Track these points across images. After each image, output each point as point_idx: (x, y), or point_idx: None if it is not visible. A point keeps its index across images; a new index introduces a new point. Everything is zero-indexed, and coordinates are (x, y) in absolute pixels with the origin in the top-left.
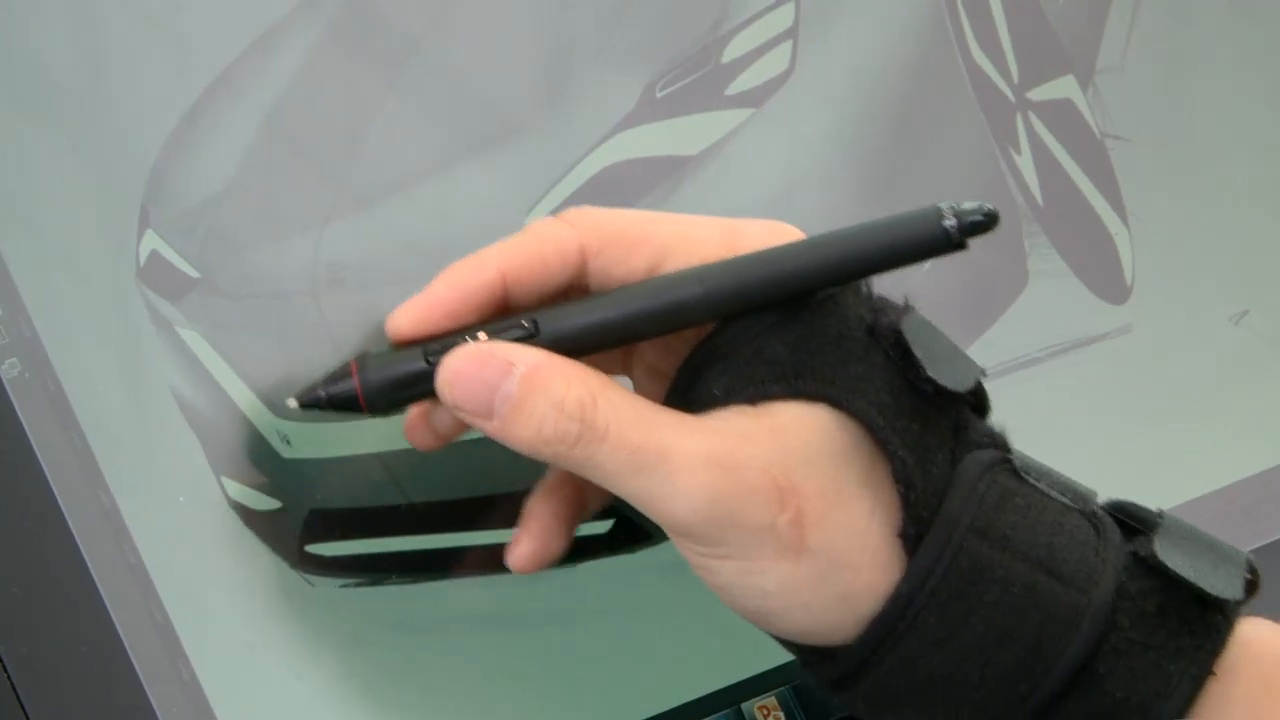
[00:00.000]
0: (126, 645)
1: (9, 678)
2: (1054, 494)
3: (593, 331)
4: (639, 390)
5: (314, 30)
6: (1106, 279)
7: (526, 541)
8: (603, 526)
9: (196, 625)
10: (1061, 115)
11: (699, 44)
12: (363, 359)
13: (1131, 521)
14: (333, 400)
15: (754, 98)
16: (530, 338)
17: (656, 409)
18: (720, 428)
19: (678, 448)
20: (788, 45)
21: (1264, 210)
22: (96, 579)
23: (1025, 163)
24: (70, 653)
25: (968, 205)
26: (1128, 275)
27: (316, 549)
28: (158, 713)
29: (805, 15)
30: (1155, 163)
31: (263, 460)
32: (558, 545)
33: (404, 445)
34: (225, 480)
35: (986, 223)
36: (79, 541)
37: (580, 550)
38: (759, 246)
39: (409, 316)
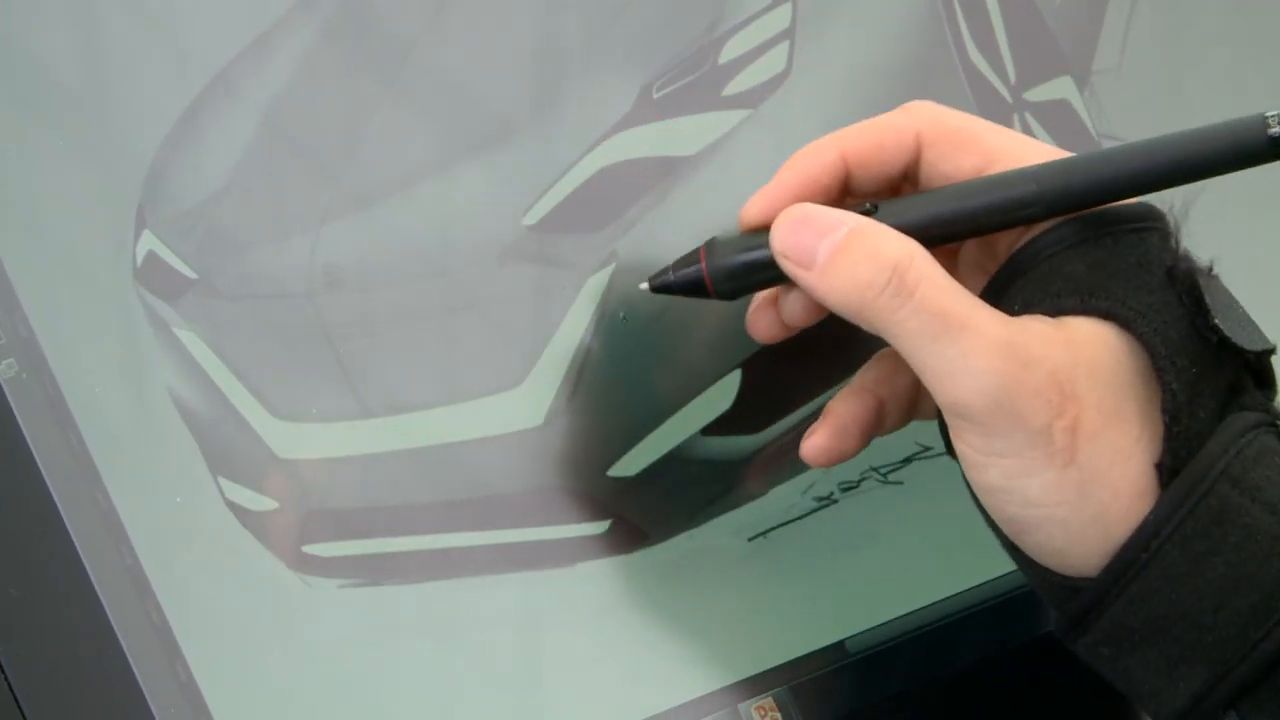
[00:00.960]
0: (124, 646)
1: (6, 679)
2: None
3: (929, 221)
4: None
5: (310, 31)
6: None
7: (823, 434)
8: (600, 527)
9: (194, 626)
10: (1058, 116)
11: (696, 45)
12: (710, 244)
13: None
14: (681, 284)
15: (751, 99)
16: (868, 214)
17: (965, 289)
18: (1020, 323)
19: (979, 325)
20: (785, 46)
21: (1259, 210)
22: (94, 580)
23: None
24: (67, 654)
25: None
26: None
27: (314, 549)
28: (155, 714)
29: (802, 16)
30: None
31: (259, 460)
32: (852, 446)
33: (403, 446)
34: (222, 480)
35: None
36: (76, 542)
37: (577, 551)
38: None
39: (759, 204)
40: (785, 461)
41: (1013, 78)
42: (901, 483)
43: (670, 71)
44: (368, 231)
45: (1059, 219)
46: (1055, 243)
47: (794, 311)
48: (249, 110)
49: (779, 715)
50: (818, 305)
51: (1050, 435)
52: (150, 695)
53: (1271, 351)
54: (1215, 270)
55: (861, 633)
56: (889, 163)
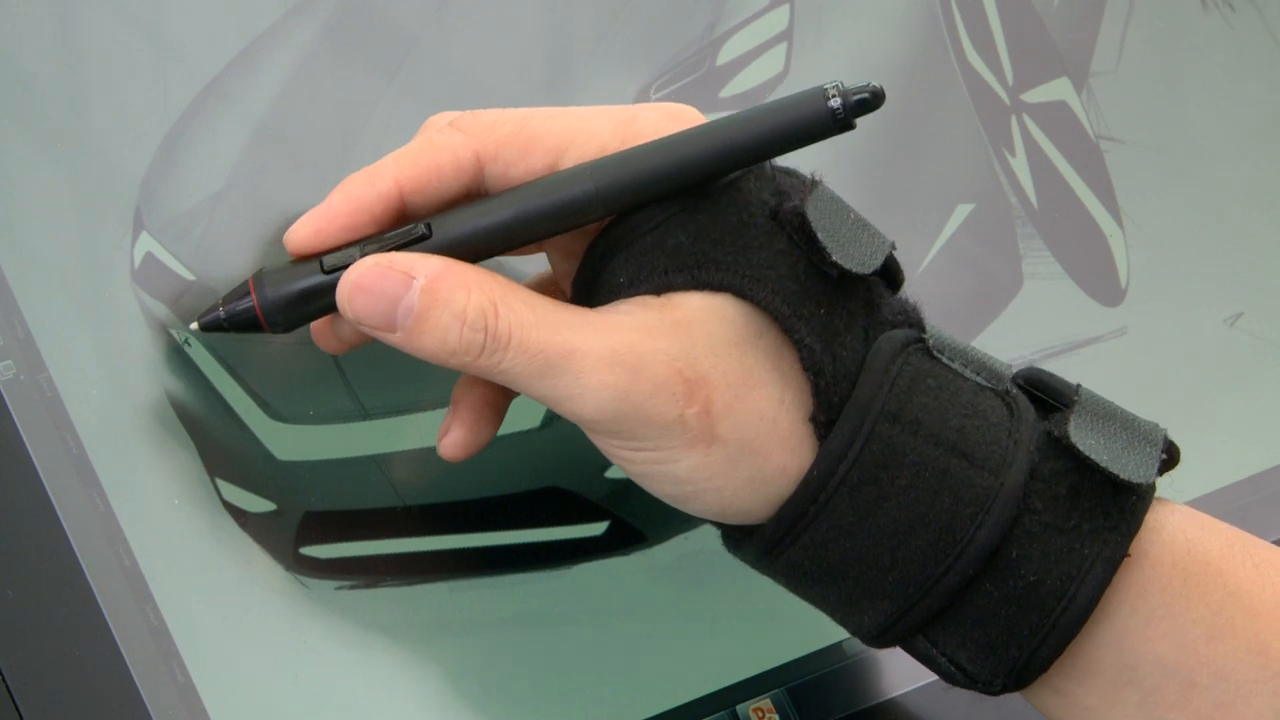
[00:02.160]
0: (121, 648)
1: (4, 681)
2: (967, 373)
3: (486, 234)
4: (554, 270)
5: (308, 33)
6: (1101, 282)
7: (456, 429)
8: (598, 529)
9: (191, 628)
10: (1056, 117)
11: (694, 46)
12: (259, 276)
13: (1047, 396)
14: (233, 320)
15: (749, 100)
16: (423, 239)
17: (559, 309)
18: (624, 322)
19: (582, 348)
20: (783, 48)
21: (1259, 213)
22: (91, 582)
23: (1020, 165)
24: (65, 656)
25: (853, 84)
26: (1122, 278)
27: (311, 551)
28: (152, 716)
29: (800, 18)
30: (1150, 165)
31: (257, 462)
32: (487, 431)
33: (401, 448)
34: (220, 482)
35: (872, 101)
36: (73, 544)
37: (575, 552)
38: (654, 134)
39: (306, 231)
40: None
41: (1010, 80)
42: None
43: (669, 72)
44: None
45: None
46: (653, 215)
47: (349, 333)
48: (246, 112)
49: (776, 717)
50: None
51: (684, 424)
52: (148, 697)
53: (893, 248)
54: (818, 177)
55: None
56: (447, 185)
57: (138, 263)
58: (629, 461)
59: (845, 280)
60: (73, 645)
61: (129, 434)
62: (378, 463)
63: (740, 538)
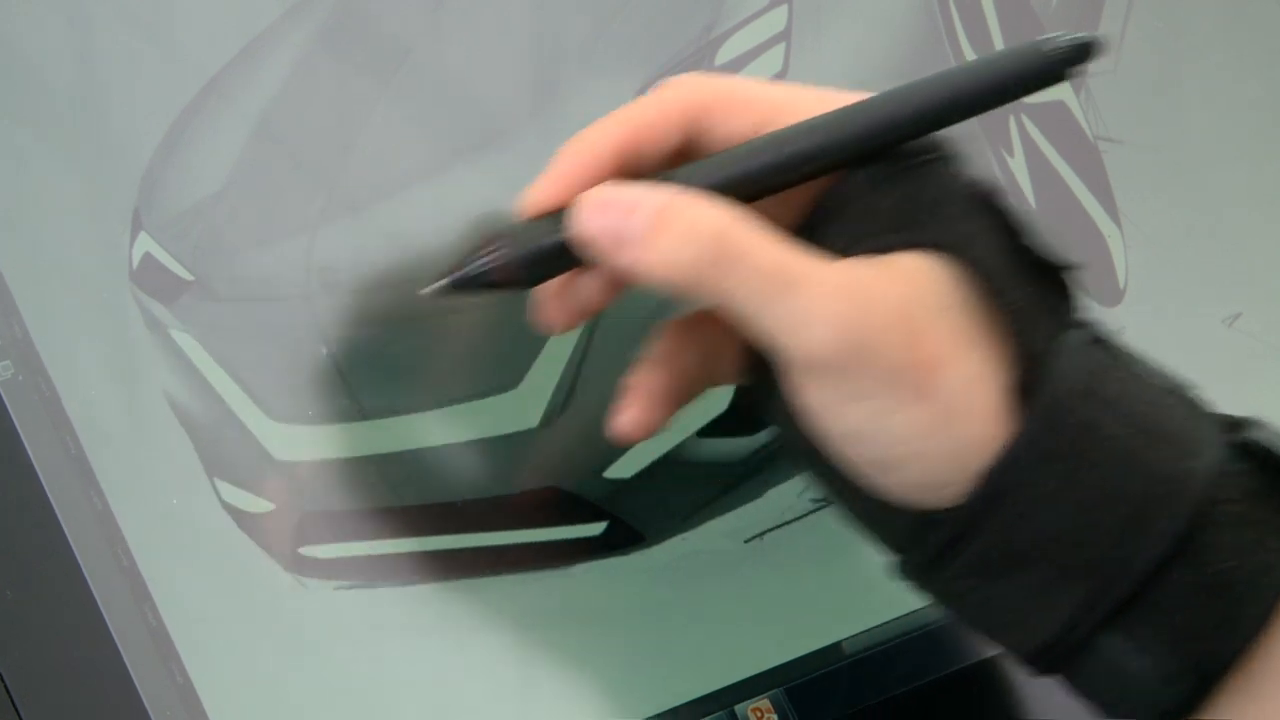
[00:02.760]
0: (120, 649)
1: (3, 682)
2: (1153, 375)
3: (719, 186)
4: None
5: (306, 34)
6: (1100, 282)
7: (633, 409)
8: (597, 529)
9: (190, 628)
10: (1054, 118)
11: (693, 46)
12: (498, 233)
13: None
14: (476, 277)
15: None
16: None
17: (791, 241)
18: (852, 266)
19: (815, 276)
20: (781, 47)
21: (1257, 213)
22: (90, 583)
23: (1018, 165)
24: (64, 657)
25: (1066, 37)
26: (1121, 278)
27: (310, 551)
28: (151, 717)
29: (799, 18)
30: (1148, 165)
31: (255, 462)
32: (660, 416)
33: (398, 448)
34: (218, 482)
35: (1086, 52)
36: (73, 545)
37: (573, 552)
38: None
39: (540, 192)
40: (783, 463)
41: None
42: None
43: (667, 72)
44: (363, 234)
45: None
46: (863, 182)
47: (589, 295)
48: (244, 112)
49: (775, 717)
50: (613, 286)
51: (907, 371)
52: (147, 698)
53: (1078, 266)
54: (1002, 186)
55: (859, 634)
56: (661, 146)
57: (136, 263)
58: (841, 416)
59: (1039, 268)
60: (71, 646)
61: (127, 434)
62: (376, 463)
63: (927, 531)
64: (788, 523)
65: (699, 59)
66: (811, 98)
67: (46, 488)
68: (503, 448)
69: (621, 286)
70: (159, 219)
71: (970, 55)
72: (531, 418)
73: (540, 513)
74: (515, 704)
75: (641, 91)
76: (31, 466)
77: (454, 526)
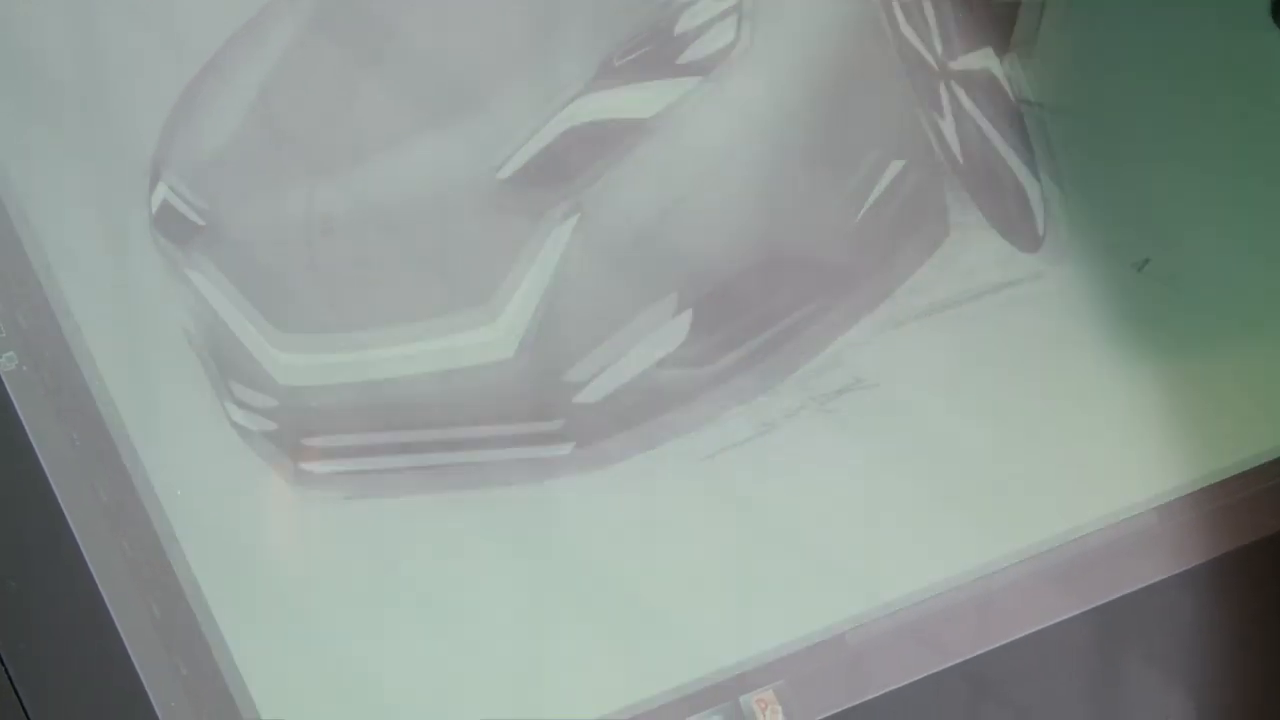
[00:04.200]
0: (124, 639)
1: (6, 671)
2: None
3: None
4: None
5: (306, 10)
6: (1020, 230)
7: None
8: (565, 449)
9: (200, 536)
10: (980, 84)
11: (652, 19)
12: None
13: None
14: None
15: (702, 66)
16: None
17: None
18: None
19: None
20: (733, 19)
21: (1165, 168)
22: (94, 574)
23: (948, 126)
24: (67, 647)
25: None
26: (1039, 227)
27: (310, 467)
28: (155, 705)
29: None
30: (1066, 126)
31: (262, 388)
32: None
33: (386, 376)
34: (229, 405)
35: None
36: (77, 536)
37: (544, 470)
38: None
39: None
40: (735, 392)
41: (939, 50)
42: (837, 412)
43: (629, 43)
44: (359, 185)
45: None
46: None
47: None
48: (252, 75)
49: (779, 708)
50: None
51: None
52: (150, 689)
53: None
54: None
55: (862, 626)
56: None
57: (155, 209)
58: None
59: None
60: (75, 637)
61: (145, 364)
62: (367, 389)
63: None
64: (740, 444)
65: (658, 30)
66: None
67: (51, 478)
68: (483, 375)
69: None
70: (175, 170)
71: (905, 27)
72: (508, 348)
73: (514, 433)
74: (493, 591)
75: (608, 59)
76: (36, 457)
77: (438, 446)
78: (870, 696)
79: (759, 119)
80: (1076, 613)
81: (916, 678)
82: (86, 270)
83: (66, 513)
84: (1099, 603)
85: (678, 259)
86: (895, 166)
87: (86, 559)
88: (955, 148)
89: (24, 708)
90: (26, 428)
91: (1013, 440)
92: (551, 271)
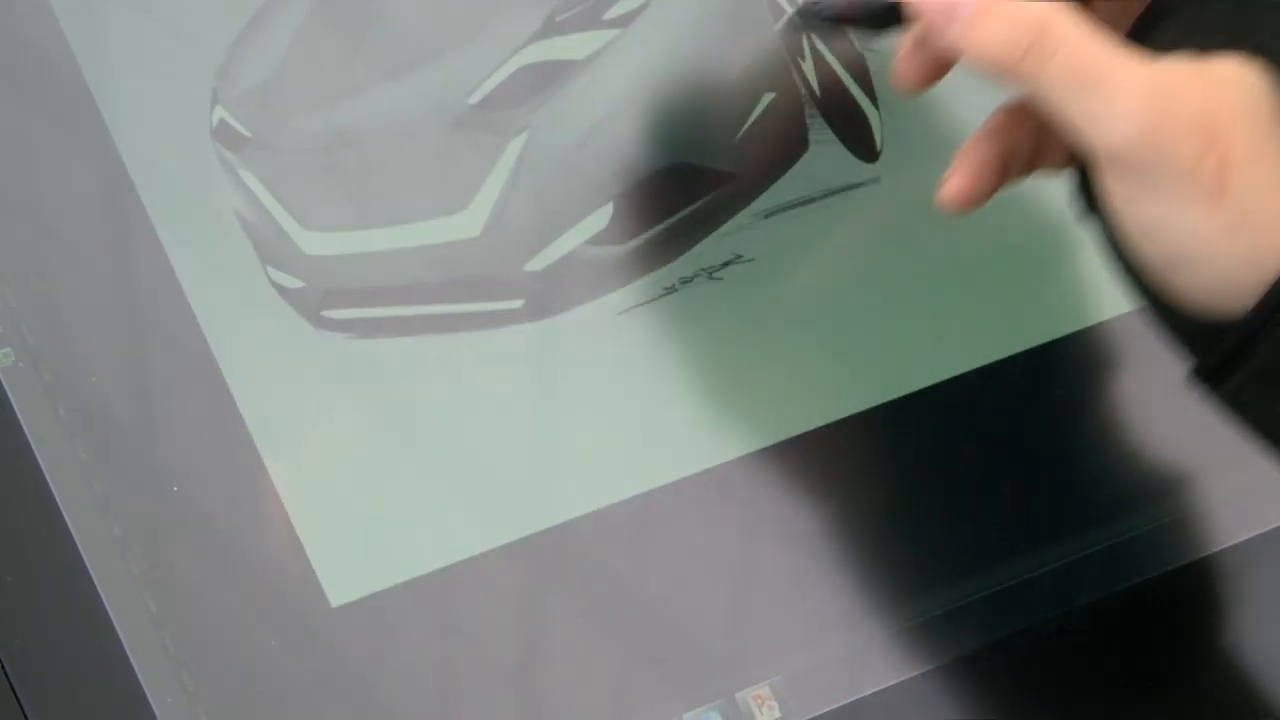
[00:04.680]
0: (120, 635)
1: (2, 667)
2: None
3: None
4: None
5: None
6: (863, 146)
7: (960, 177)
8: (518, 304)
9: (244, 369)
10: (834, 33)
11: None
12: None
13: None
14: (815, 12)
15: (623, 21)
16: None
17: (1106, 39)
18: (1164, 66)
19: (1123, 73)
20: None
21: (973, 101)
22: (90, 569)
23: (808, 66)
24: (63, 643)
25: None
26: (878, 144)
27: (330, 314)
28: (150, 699)
29: None
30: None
31: (293, 255)
32: (987, 188)
33: (385, 248)
34: (269, 268)
35: None
36: (72, 531)
37: (500, 320)
38: None
39: None
40: (645, 263)
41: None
42: (723, 279)
43: (568, 1)
44: (366, 107)
45: None
46: None
47: (933, 61)
48: (286, 26)
49: (775, 704)
50: (944, 59)
51: (1200, 172)
52: (146, 684)
53: None
54: None
55: (855, 639)
56: None
57: (214, 125)
58: (1135, 211)
59: None
60: (71, 632)
61: (205, 237)
62: (372, 257)
63: (1211, 341)
64: (650, 301)
65: None
66: None
67: (46, 474)
68: (457, 248)
69: (952, 59)
70: (230, 95)
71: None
72: (475, 229)
73: (481, 292)
74: (472, 413)
75: (550, 15)
76: (31, 452)
77: (425, 299)
78: (867, 693)
79: (663, 60)
80: None
81: (911, 674)
82: (163, 171)
83: (62, 507)
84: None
85: (602, 164)
86: (767, 98)
87: (82, 554)
88: (814, 84)
89: (20, 703)
90: (22, 423)
91: (858, 302)
92: (508, 173)
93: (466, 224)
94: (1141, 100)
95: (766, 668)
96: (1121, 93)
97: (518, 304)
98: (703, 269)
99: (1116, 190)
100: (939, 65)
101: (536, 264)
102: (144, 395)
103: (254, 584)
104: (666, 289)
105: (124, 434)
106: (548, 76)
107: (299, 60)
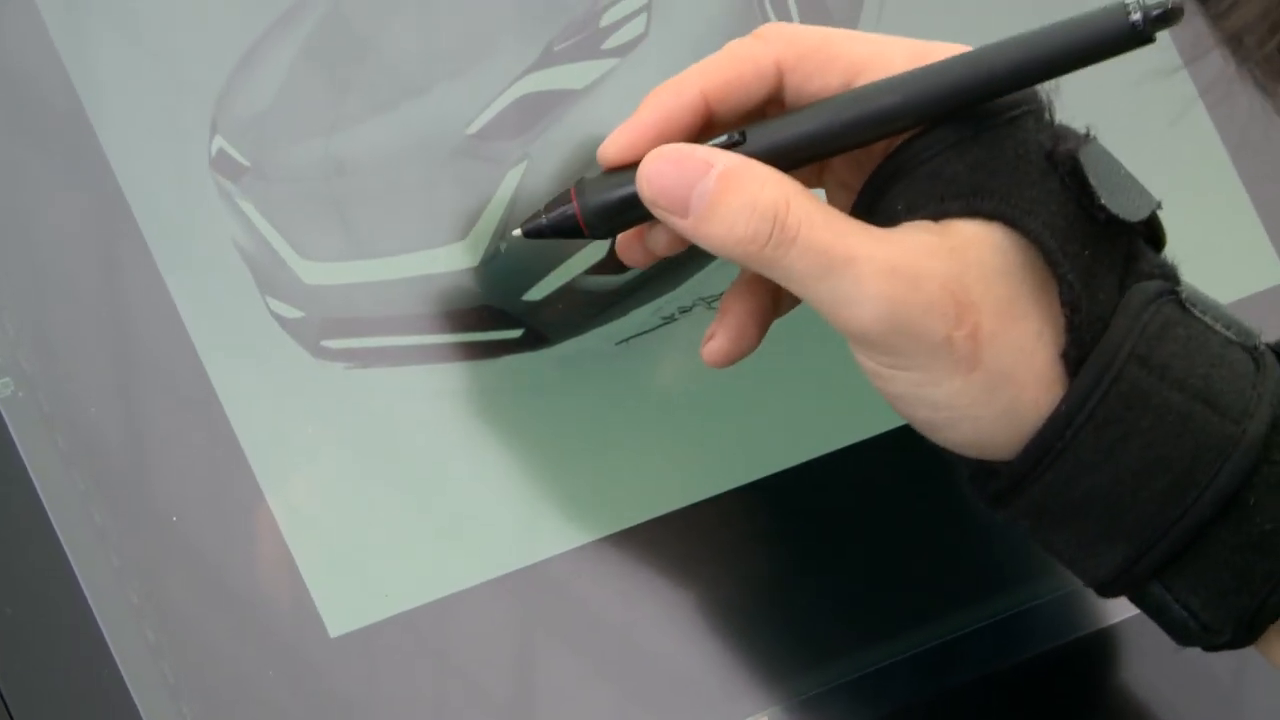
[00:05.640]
0: (119, 666)
1: (1, 697)
2: (1218, 327)
3: (797, 142)
4: (832, 202)
5: (323, 5)
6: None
7: (722, 336)
8: (516, 333)
9: (241, 393)
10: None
11: (584, 14)
12: (580, 184)
13: None
14: (554, 226)
15: (622, 51)
16: (737, 145)
17: (845, 218)
18: (904, 240)
19: (864, 255)
20: (644, 15)
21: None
22: (90, 600)
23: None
24: (62, 673)
25: (1153, 1)
26: None
27: (328, 344)
28: None
29: None
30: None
31: (292, 285)
32: (750, 343)
33: (383, 278)
34: (268, 298)
35: (1171, 15)
36: (72, 562)
37: (499, 349)
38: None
39: (618, 144)
40: (643, 293)
41: None
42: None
43: (566, 33)
44: (364, 137)
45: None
46: (933, 144)
47: (661, 243)
48: (284, 56)
49: None
50: (682, 240)
51: (951, 346)
52: (144, 711)
53: (1158, 207)
54: (1093, 133)
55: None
56: (750, 94)
57: (214, 154)
58: (890, 381)
59: (1110, 227)
60: (70, 663)
61: (205, 267)
62: (369, 287)
63: (982, 477)
64: (646, 332)
65: (588, 22)
66: (901, 52)
67: (46, 505)
68: (455, 278)
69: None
70: (229, 125)
71: (773, 18)
72: (474, 259)
73: (478, 322)
74: (461, 440)
75: (549, 45)
76: (31, 483)
77: (422, 330)
78: None
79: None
80: None
81: (905, 701)
82: (163, 201)
83: (61, 538)
84: None
85: None
86: None
87: (81, 585)
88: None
89: None
90: (21, 453)
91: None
92: (507, 203)
93: (465, 254)
94: (884, 283)
95: (765, 697)
96: (863, 276)
97: (516, 334)
98: (702, 298)
99: (867, 364)
100: (668, 247)
101: (535, 294)
102: (143, 425)
103: (252, 614)
104: (665, 319)
105: (123, 464)
106: (546, 106)
107: (297, 90)
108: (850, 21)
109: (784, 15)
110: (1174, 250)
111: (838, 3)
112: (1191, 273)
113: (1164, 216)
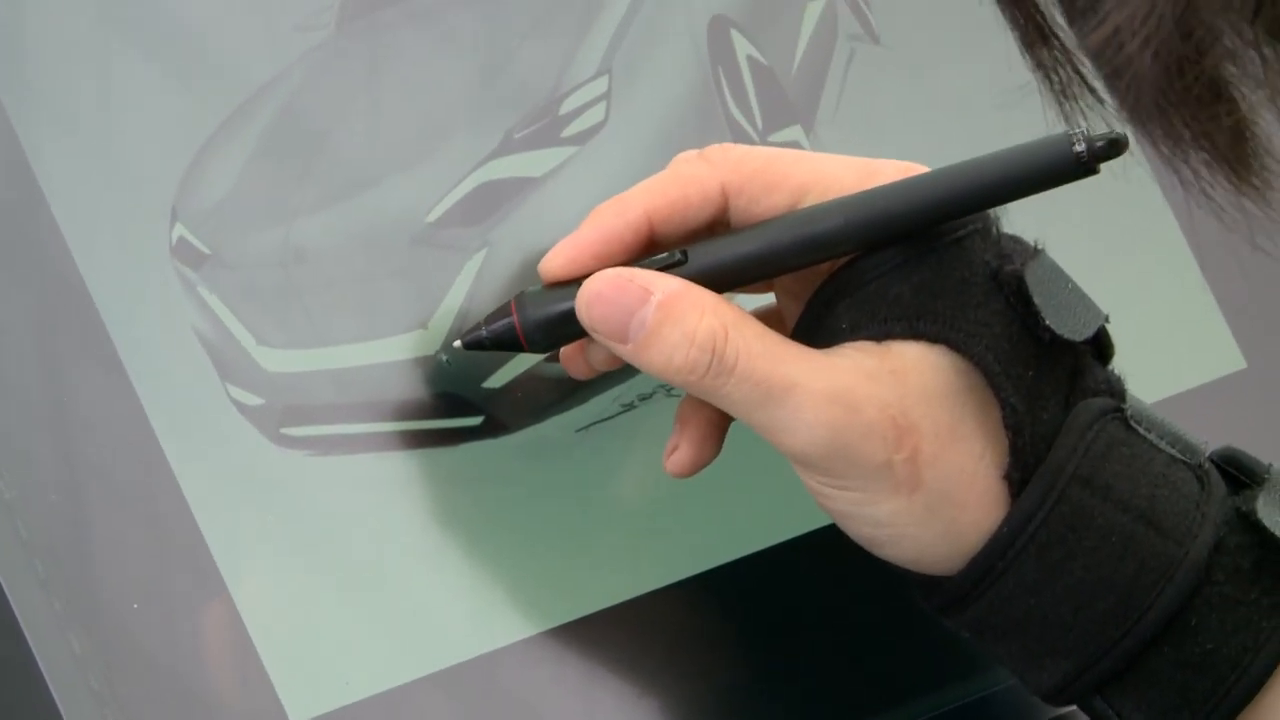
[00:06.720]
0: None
1: None
2: (1163, 445)
3: (738, 263)
4: (781, 309)
5: (284, 96)
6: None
7: (684, 448)
8: (476, 421)
9: (203, 486)
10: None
11: (544, 102)
12: (520, 298)
13: (1240, 474)
14: (494, 338)
15: (580, 139)
16: (678, 265)
17: (785, 343)
18: (844, 365)
19: (803, 383)
20: (603, 104)
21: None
22: (50, 685)
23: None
24: None
25: (1097, 131)
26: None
27: (288, 431)
28: None
29: (615, 84)
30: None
31: (252, 372)
32: (711, 452)
33: (343, 365)
34: (228, 385)
35: (1115, 148)
36: (33, 648)
37: (458, 436)
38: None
39: (559, 259)
40: (603, 380)
41: (760, 125)
42: (682, 394)
43: (525, 120)
44: (323, 224)
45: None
46: (879, 264)
47: (601, 359)
48: (242, 147)
49: None
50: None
51: (891, 469)
52: None
53: (1105, 321)
54: (1041, 245)
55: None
56: (694, 216)
57: (174, 242)
58: (831, 499)
59: (1055, 346)
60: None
61: (165, 356)
62: (330, 375)
63: (926, 588)
64: (606, 419)
65: (548, 110)
66: (847, 173)
67: (6, 591)
68: (415, 366)
69: None
70: (189, 213)
71: (733, 108)
72: (433, 347)
73: (438, 409)
74: (422, 531)
75: (509, 133)
76: (8, 602)
77: (381, 417)
78: None
79: (619, 178)
80: None
81: None
82: (121, 289)
83: (22, 624)
84: None
85: None
86: None
87: (42, 670)
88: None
89: None
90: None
91: None
92: (466, 290)
93: (424, 342)
94: (824, 409)
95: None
96: (803, 404)
97: (476, 421)
98: (661, 386)
99: (811, 485)
100: (608, 363)
101: (495, 381)
102: (104, 513)
103: (214, 701)
104: (625, 406)
105: (84, 551)
106: (506, 194)
107: (255, 179)
108: (809, 110)
109: (743, 105)
110: (1132, 338)
111: (797, 93)
112: (1149, 360)
113: (1122, 304)
